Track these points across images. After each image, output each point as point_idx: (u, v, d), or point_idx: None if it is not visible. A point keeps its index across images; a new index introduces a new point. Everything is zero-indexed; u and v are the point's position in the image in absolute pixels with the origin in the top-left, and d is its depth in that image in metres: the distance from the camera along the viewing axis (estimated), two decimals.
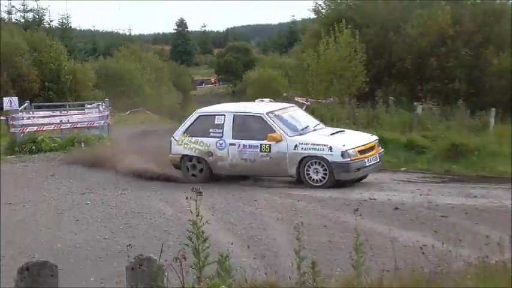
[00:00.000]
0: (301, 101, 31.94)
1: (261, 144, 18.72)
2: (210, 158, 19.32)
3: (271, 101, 23.04)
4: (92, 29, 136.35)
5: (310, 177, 18.22)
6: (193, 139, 19.53)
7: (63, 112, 32.24)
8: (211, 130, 19.49)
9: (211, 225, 12.48)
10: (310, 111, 27.50)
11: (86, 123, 31.57)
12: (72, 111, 32.94)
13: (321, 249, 11.14)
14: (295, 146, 18.43)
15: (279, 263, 10.33)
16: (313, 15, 46.69)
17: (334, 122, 25.40)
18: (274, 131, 18.63)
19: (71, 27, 71.26)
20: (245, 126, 19.36)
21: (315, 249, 10.55)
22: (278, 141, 18.46)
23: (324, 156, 18.08)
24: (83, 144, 28.10)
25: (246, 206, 16.31)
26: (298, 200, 16.65)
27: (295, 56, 53.49)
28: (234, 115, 19.45)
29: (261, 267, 9.72)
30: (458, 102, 28.29)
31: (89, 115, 32.42)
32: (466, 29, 38.88)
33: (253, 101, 22.94)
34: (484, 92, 37.49)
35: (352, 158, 18.00)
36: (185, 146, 19.61)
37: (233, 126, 19.27)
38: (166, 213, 15.35)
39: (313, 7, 45.17)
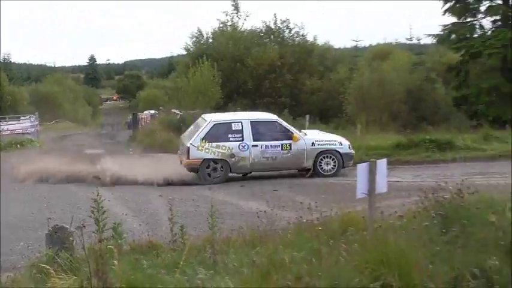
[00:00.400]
0: (176, 112, 31.55)
1: (282, 144, 16.91)
2: (232, 159, 16.72)
3: (156, 113, 22.51)
4: (27, 62, 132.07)
5: (322, 168, 17.06)
6: (214, 144, 16.68)
7: (4, 122, 31.68)
8: (230, 135, 16.81)
9: (111, 202, 12.20)
10: (183, 119, 27.31)
11: (21, 130, 31.11)
12: (11, 122, 32.47)
13: (189, 216, 10.97)
14: (312, 143, 17.15)
15: (159, 227, 10.15)
16: (184, 52, 46.32)
17: None
18: (292, 133, 17.13)
19: (11, 61, 69.16)
20: (261, 130, 17.09)
21: (185, 216, 10.39)
22: (297, 140, 17.00)
23: (337, 149, 17.19)
24: (18, 146, 27.65)
25: (136, 187, 16.06)
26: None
27: (172, 80, 52.96)
28: (250, 121, 17.12)
29: (145, 230, 9.53)
30: (285, 111, 28.67)
31: (23, 124, 32.03)
32: (288, 61, 39.51)
33: (143, 112, 22.37)
34: (301, 104, 38.23)
35: (352, 150, 17.52)
36: (206, 151, 16.64)
37: (251, 130, 16.94)
38: (78, 194, 14.82)
39: (185, 46, 45.04)
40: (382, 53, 43.10)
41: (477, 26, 33.35)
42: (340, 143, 17.39)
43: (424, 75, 32.34)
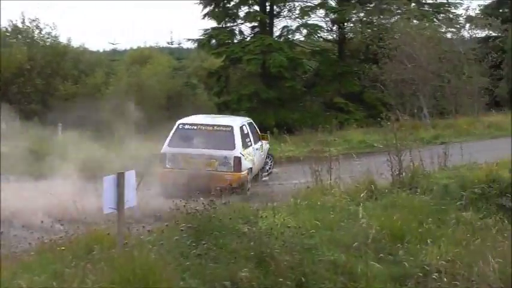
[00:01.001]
0: None
1: (261, 145, 16.34)
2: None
3: None
4: None
5: (263, 168, 16.77)
6: (247, 151, 15.10)
7: None
8: (246, 140, 15.46)
9: None
10: None
11: None
12: None
13: None
14: (266, 143, 17.06)
15: None
16: None
17: None
18: (260, 134, 16.84)
19: None
20: (251, 132, 16.13)
21: None
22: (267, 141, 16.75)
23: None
24: None
25: None
26: None
27: None
28: (247, 123, 16.33)
29: None
30: (34, 119, 27.71)
31: None
32: (39, 64, 38.25)
33: None
34: (55, 111, 37.20)
35: None
36: (248, 159, 14.97)
37: (251, 133, 16.00)
38: None
39: None
40: (141, 57, 43.16)
41: (237, 32, 34.84)
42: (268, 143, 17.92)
43: (184, 80, 33.03)
